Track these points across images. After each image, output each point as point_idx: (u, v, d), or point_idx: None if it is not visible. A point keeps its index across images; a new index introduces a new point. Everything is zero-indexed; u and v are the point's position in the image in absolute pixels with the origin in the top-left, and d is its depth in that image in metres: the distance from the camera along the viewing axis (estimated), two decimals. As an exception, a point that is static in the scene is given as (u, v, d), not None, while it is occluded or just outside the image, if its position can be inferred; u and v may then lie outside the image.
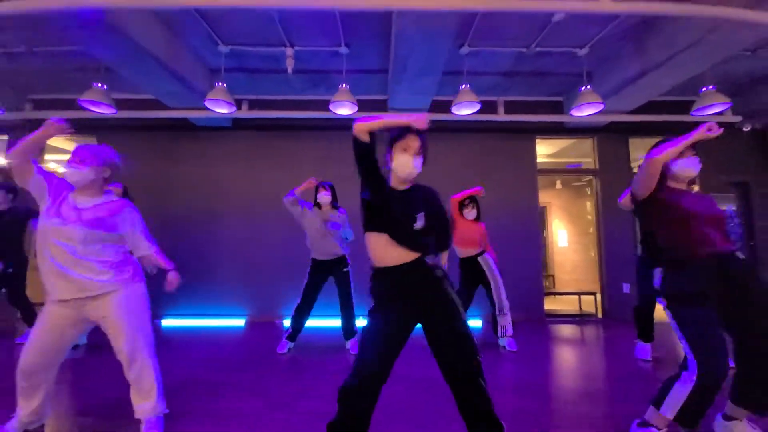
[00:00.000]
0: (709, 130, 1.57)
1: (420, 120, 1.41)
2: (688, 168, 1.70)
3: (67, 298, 1.63)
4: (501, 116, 4.73)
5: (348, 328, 3.29)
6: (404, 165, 1.46)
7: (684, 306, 1.62)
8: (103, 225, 1.68)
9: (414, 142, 1.47)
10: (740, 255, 1.66)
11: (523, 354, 3.28)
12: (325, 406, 2.06)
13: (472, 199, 3.45)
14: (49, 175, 1.73)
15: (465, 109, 3.96)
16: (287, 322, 4.57)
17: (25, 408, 1.71)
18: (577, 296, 5.60)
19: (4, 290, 3.37)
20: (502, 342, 3.40)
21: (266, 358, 3.13)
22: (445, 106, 4.21)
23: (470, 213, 3.42)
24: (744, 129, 5.07)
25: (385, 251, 1.43)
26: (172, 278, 1.85)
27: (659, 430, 1.62)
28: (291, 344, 3.33)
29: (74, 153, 1.73)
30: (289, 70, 3.90)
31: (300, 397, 2.24)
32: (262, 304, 4.82)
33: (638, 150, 5.15)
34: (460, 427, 1.45)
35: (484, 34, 3.63)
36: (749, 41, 3.32)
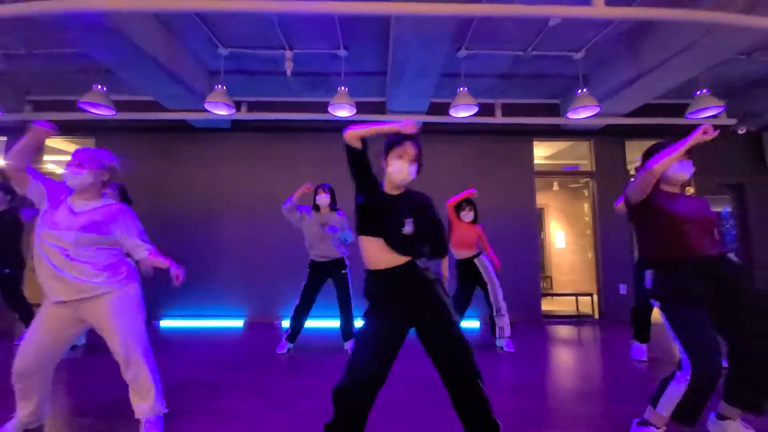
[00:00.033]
0: (705, 133, 1.59)
1: (409, 125, 1.44)
2: (681, 172, 1.73)
3: (64, 299, 1.65)
4: (498, 119, 4.78)
5: (347, 330, 3.31)
6: (399, 171, 1.48)
7: (676, 307, 1.65)
8: (97, 228, 1.69)
9: (410, 149, 1.49)
10: (731, 257, 1.69)
11: (521, 355, 3.30)
12: (325, 405, 2.05)
13: (469, 202, 3.48)
14: (48, 181, 1.74)
15: (463, 112, 3.99)
16: (286, 323, 4.59)
17: (24, 408, 1.72)
18: (574, 297, 5.63)
19: (0, 291, 3.37)
20: (499, 343, 3.43)
21: (265, 359, 3.15)
22: (444, 109, 4.25)
23: (467, 215, 3.44)
24: (739, 131, 5.13)
25: (377, 254, 1.46)
26: (176, 272, 1.82)
27: (658, 428, 1.65)
28: (290, 345, 3.35)
29: (73, 156, 1.74)
30: (288, 73, 3.93)
31: (299, 397, 2.26)
32: (261, 305, 4.83)
33: (634, 152, 5.20)
34: (459, 428, 1.47)
35: (482, 37, 3.67)
36: (743, 45, 3.37)
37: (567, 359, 3.35)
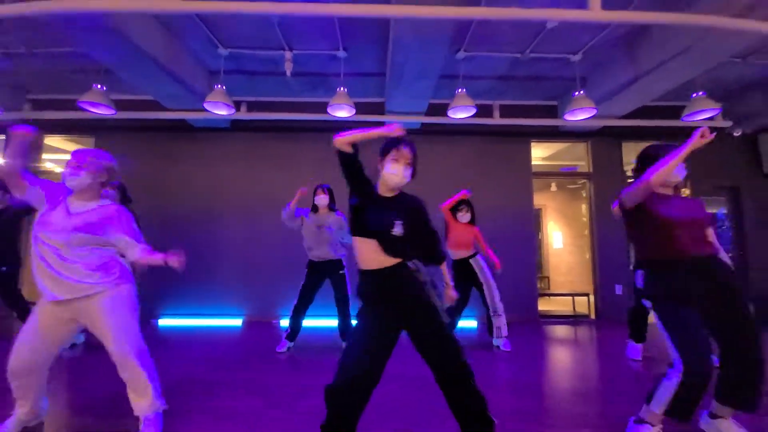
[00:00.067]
0: (702, 136, 1.60)
1: (394, 129, 1.47)
2: (674, 174, 1.76)
3: (58, 299, 1.66)
4: (496, 120, 4.81)
5: (344, 329, 3.33)
6: (394, 174, 1.51)
7: (667, 306, 1.68)
8: (91, 229, 1.69)
9: (406, 153, 1.52)
10: (722, 257, 1.72)
11: (518, 354, 3.33)
12: (324, 404, 2.10)
13: (466, 203, 3.51)
14: (46, 184, 1.75)
15: (461, 113, 4.02)
16: (284, 322, 4.61)
17: (21, 407, 1.74)
18: (571, 297, 5.67)
19: None
20: (497, 342, 3.46)
21: (264, 358, 3.17)
22: (442, 110, 4.27)
23: (464, 216, 3.47)
24: (734, 134, 5.17)
25: (369, 255, 1.49)
26: (174, 259, 1.80)
27: (653, 426, 1.68)
28: (290, 344, 3.37)
29: (72, 158, 1.75)
30: (288, 73, 3.95)
31: (298, 396, 2.28)
32: (260, 304, 4.85)
33: (631, 154, 5.24)
34: (454, 425, 1.50)
35: (480, 40, 3.70)
36: (739, 48, 3.41)
37: (563, 359, 3.38)
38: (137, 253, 1.78)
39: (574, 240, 7.67)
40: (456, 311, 3.45)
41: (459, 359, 1.43)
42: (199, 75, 4.27)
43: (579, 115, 3.96)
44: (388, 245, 1.46)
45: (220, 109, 3.96)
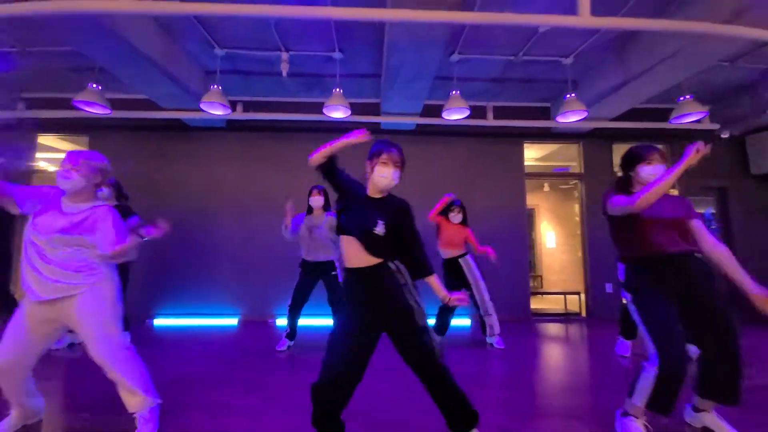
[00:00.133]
0: (698, 151, 1.62)
1: (360, 135, 1.55)
2: (655, 175, 1.82)
3: (41, 298, 1.66)
4: (490, 121, 4.88)
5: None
6: (384, 177, 1.56)
7: (645, 298, 1.75)
8: (75, 230, 1.69)
9: (394, 156, 1.57)
10: (698, 255, 1.79)
11: (511, 351, 3.40)
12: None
13: (459, 204, 3.56)
14: (37, 194, 1.75)
15: (455, 115, 4.08)
16: (280, 322, 4.65)
17: (16, 407, 1.76)
18: (562, 296, 5.76)
19: None
20: (490, 340, 3.52)
21: (260, 356, 3.20)
22: (437, 110, 4.33)
23: (456, 217, 3.52)
24: (722, 136, 5.28)
25: (352, 253, 1.54)
26: (152, 233, 1.80)
27: (637, 418, 1.74)
28: (290, 342, 3.41)
29: (65, 160, 1.75)
30: (284, 74, 3.98)
31: (295, 392, 2.32)
32: (255, 304, 4.88)
33: (621, 155, 5.33)
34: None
35: (474, 42, 3.76)
36: (727, 53, 3.49)
37: (555, 355, 3.46)
38: (105, 252, 1.72)
39: (567, 239, 7.78)
40: (448, 311, 3.51)
41: (434, 361, 1.48)
42: (195, 75, 4.29)
43: (570, 117, 4.03)
44: (370, 244, 1.50)
45: (216, 110, 3.98)
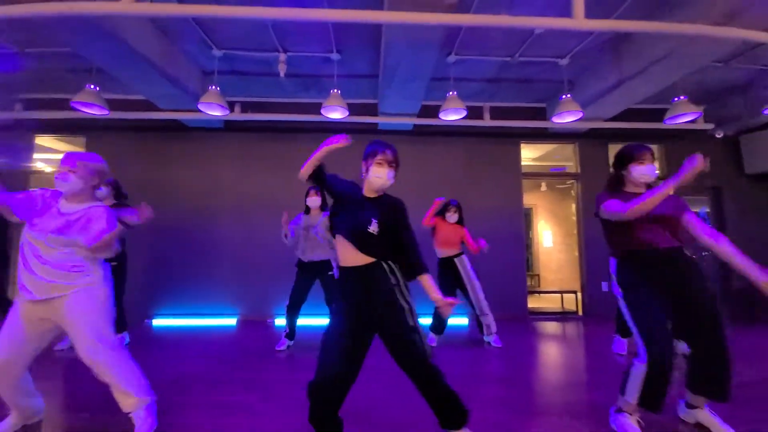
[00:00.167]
0: (695, 166, 1.60)
1: (341, 140, 1.58)
2: (646, 174, 1.86)
3: (34, 298, 1.67)
4: (487, 121, 4.91)
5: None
6: (379, 177, 1.58)
7: (634, 294, 1.78)
8: (69, 231, 1.69)
9: (389, 156, 1.59)
10: (688, 252, 1.82)
11: (508, 349, 3.43)
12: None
13: (455, 204, 3.59)
14: (34, 198, 1.75)
15: (452, 115, 4.11)
16: (279, 321, 4.66)
17: (13, 407, 1.76)
18: (559, 295, 5.81)
19: None
20: (487, 339, 3.55)
21: (259, 355, 3.22)
22: (435, 110, 4.35)
23: (452, 217, 3.55)
24: (717, 135, 5.33)
25: (347, 252, 1.56)
26: (137, 217, 1.80)
27: (630, 414, 1.77)
28: (290, 342, 3.43)
29: (62, 162, 1.75)
30: (282, 75, 4.00)
31: (293, 390, 2.34)
32: (254, 304, 4.89)
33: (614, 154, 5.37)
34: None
35: (470, 44, 3.79)
36: (720, 54, 3.53)
37: (552, 353, 3.49)
38: (87, 242, 1.71)
39: (564, 239, 7.83)
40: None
41: (425, 361, 1.49)
42: (193, 76, 4.30)
43: (566, 117, 4.06)
44: (365, 243, 1.53)
45: (214, 110, 3.98)
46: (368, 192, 1.65)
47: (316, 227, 3.28)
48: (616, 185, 1.95)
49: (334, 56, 3.98)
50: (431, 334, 3.60)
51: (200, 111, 4.06)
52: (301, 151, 5.30)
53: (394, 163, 1.61)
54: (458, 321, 4.58)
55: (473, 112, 4.64)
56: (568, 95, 3.99)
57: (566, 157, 5.95)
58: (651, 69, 3.60)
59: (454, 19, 2.62)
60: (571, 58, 4.01)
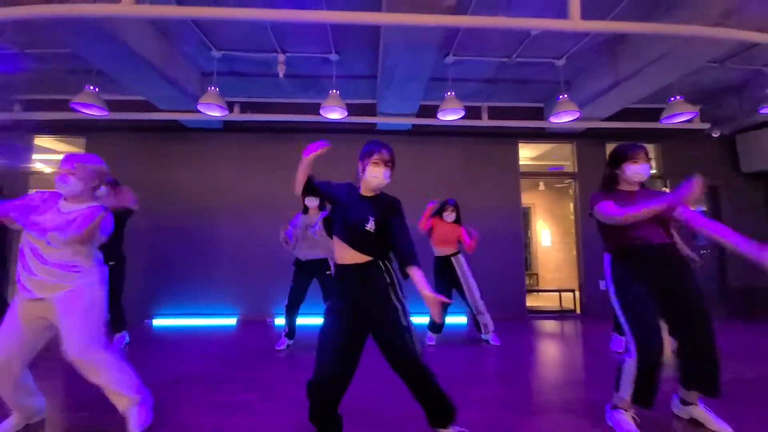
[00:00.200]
0: (692, 192, 1.59)
1: (320, 147, 1.61)
2: (640, 173, 1.89)
3: (34, 296, 1.69)
4: (485, 121, 4.94)
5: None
6: (375, 177, 1.61)
7: (626, 289, 1.81)
8: (69, 229, 1.70)
9: (385, 156, 1.62)
10: (679, 248, 1.85)
11: (506, 348, 3.46)
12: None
13: (453, 203, 3.62)
14: (32, 201, 1.77)
15: (450, 115, 4.13)
16: (279, 321, 4.68)
17: (14, 407, 1.78)
18: (557, 293, 5.84)
19: None
20: (485, 337, 3.58)
21: (261, 355, 3.24)
22: (433, 111, 4.37)
23: (449, 216, 3.57)
24: (713, 135, 5.37)
25: (343, 251, 1.59)
26: (117, 199, 1.81)
27: (626, 411, 1.80)
28: (290, 341, 3.45)
29: (62, 164, 1.77)
30: (281, 75, 4.02)
31: (292, 389, 2.36)
32: (254, 303, 4.91)
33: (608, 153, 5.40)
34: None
35: (468, 45, 3.81)
36: (716, 54, 3.56)
37: (550, 352, 3.52)
38: (64, 235, 1.71)
39: (562, 237, 7.86)
40: (442, 309, 3.53)
41: (415, 362, 1.51)
42: (192, 77, 4.31)
43: (563, 117, 4.09)
44: (361, 241, 1.55)
45: (213, 111, 4.00)
46: (365, 191, 1.67)
47: (315, 226, 3.30)
48: (611, 184, 1.98)
49: (333, 57, 4.00)
50: (429, 333, 3.62)
51: (199, 112, 4.07)
52: (300, 151, 5.33)
53: (390, 163, 1.63)
54: (457, 320, 4.61)
55: (471, 112, 4.66)
56: (565, 95, 4.02)
57: (564, 156, 5.98)
58: (646, 70, 3.63)
59: (451, 20, 2.64)
60: (568, 58, 4.04)
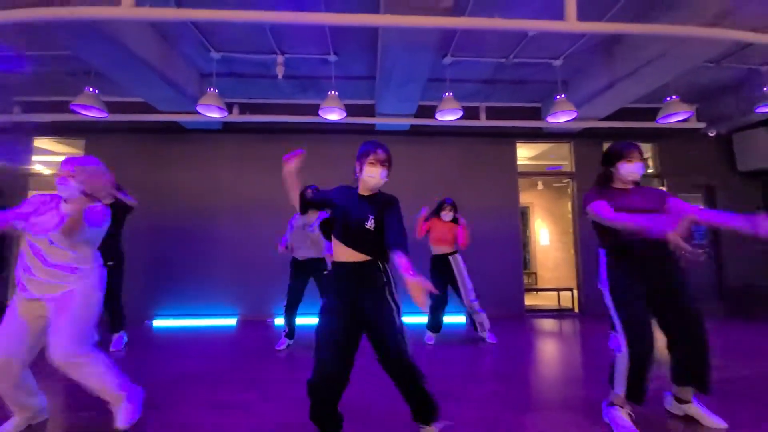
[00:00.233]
0: (679, 233, 1.60)
1: (294, 156, 1.65)
2: (634, 172, 1.91)
3: (33, 296, 1.71)
4: (483, 122, 4.97)
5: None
6: (372, 177, 1.63)
7: (618, 287, 1.83)
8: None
9: (381, 156, 1.64)
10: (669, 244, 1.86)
11: (504, 346, 3.48)
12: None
13: (450, 202, 3.64)
14: (31, 204, 1.79)
15: (448, 116, 4.15)
16: (278, 321, 4.70)
17: (16, 408, 1.79)
18: (556, 292, 5.86)
19: None
20: (481, 335, 3.60)
21: (261, 355, 3.26)
22: (431, 111, 4.39)
23: (447, 215, 3.59)
24: (710, 134, 5.40)
25: (342, 249, 1.61)
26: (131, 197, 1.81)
27: (622, 407, 1.82)
28: (290, 341, 3.47)
29: (61, 167, 1.79)
30: (280, 76, 4.04)
31: (292, 389, 2.38)
32: (254, 304, 4.93)
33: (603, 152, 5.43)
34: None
35: (466, 46, 3.84)
36: (712, 54, 3.58)
37: (548, 350, 3.54)
38: (43, 232, 1.74)
39: (561, 237, 7.89)
40: (437, 309, 3.56)
41: (404, 361, 1.53)
42: (191, 78, 4.33)
43: (560, 117, 4.12)
44: (361, 240, 1.58)
45: (212, 112, 4.02)
46: (363, 191, 1.69)
47: (312, 226, 3.32)
48: (605, 182, 2.00)
49: (332, 58, 4.02)
50: (429, 333, 3.64)
51: (199, 113, 4.09)
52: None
53: (387, 163, 1.65)
54: (456, 319, 4.63)
55: (469, 113, 4.69)
56: (563, 95, 4.04)
57: (562, 156, 6.00)
58: (643, 70, 3.66)
59: (449, 22, 2.66)
60: (565, 59, 4.07)
